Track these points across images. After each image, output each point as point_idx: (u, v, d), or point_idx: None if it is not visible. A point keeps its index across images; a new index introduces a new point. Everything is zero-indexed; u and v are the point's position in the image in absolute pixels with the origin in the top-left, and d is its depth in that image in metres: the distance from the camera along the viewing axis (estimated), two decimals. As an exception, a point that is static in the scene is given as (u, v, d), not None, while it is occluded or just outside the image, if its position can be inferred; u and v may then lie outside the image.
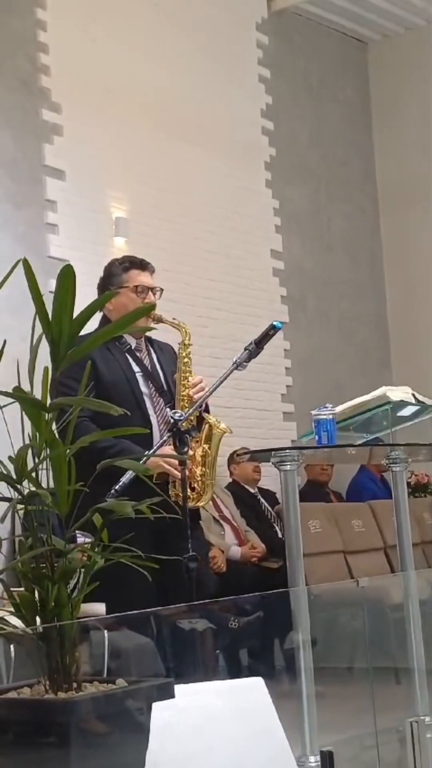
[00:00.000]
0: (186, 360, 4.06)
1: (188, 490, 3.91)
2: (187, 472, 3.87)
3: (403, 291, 9.28)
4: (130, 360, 4.11)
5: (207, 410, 4.11)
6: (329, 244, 8.98)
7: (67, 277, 2.29)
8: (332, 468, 7.75)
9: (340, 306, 8.97)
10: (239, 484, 7.08)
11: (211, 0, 8.01)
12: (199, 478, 4.00)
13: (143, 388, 4.07)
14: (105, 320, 4.08)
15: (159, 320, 4.02)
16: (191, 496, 3.94)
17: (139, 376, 4.09)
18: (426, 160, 9.15)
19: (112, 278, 4.19)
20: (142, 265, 4.21)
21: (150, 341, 4.24)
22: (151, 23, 7.52)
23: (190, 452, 3.90)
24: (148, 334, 4.14)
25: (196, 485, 3.99)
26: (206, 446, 4.00)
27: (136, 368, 4.11)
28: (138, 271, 4.19)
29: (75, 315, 2.32)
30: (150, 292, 4.16)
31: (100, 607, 4.10)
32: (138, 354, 4.15)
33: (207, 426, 4.00)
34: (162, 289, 4.22)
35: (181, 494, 3.88)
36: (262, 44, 8.53)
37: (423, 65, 9.22)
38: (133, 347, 4.15)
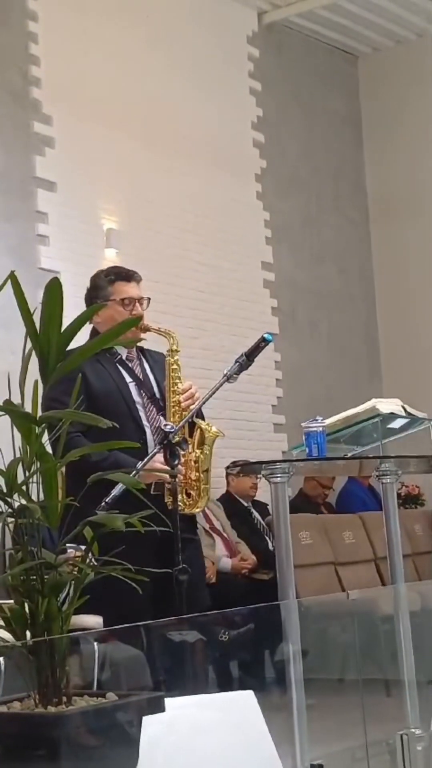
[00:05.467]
0: (174, 367, 4.07)
1: (184, 495, 3.92)
2: (181, 477, 3.88)
3: (394, 302, 9.30)
4: (122, 370, 4.12)
5: (202, 417, 4.12)
6: (319, 256, 9.01)
7: (54, 290, 2.29)
8: (330, 489, 7.74)
9: (330, 318, 8.99)
10: (233, 496, 7.08)
11: (201, 13, 8.04)
12: (194, 484, 4.00)
13: (136, 397, 4.08)
14: (94, 332, 4.09)
15: (147, 329, 4.05)
16: (187, 502, 3.95)
17: (131, 386, 4.10)
18: (416, 172, 9.19)
19: (98, 290, 4.20)
20: (128, 276, 4.22)
21: (142, 351, 4.25)
22: (143, 36, 7.54)
23: (183, 458, 3.90)
24: (140, 344, 4.16)
25: (192, 491, 3.99)
26: (198, 451, 4.01)
27: (128, 378, 4.11)
28: (124, 283, 4.19)
29: (64, 327, 2.33)
30: (137, 303, 4.17)
31: (93, 620, 4.09)
32: (129, 364, 4.16)
33: (199, 431, 4.00)
34: (149, 299, 4.23)
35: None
36: (253, 57, 8.57)
37: (413, 78, 9.26)
38: (124, 357, 4.16)
